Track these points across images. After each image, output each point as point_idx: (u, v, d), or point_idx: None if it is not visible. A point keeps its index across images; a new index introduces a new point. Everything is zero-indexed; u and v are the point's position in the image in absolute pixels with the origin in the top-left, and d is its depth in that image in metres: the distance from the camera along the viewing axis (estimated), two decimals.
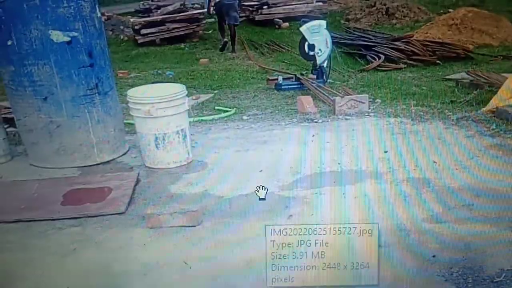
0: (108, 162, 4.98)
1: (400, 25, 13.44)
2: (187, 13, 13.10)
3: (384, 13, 13.93)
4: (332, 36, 8.03)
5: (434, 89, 7.52)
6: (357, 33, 12.00)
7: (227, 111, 6.69)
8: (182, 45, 12.48)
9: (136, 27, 12.78)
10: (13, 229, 3.74)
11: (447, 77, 8.31)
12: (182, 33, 12.77)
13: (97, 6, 4.87)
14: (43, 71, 4.62)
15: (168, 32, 12.64)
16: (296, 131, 5.70)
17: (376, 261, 2.63)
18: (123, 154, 5.16)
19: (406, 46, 9.68)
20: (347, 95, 6.58)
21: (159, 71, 9.85)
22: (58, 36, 4.57)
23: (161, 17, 12.88)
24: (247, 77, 9.15)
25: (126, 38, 13.49)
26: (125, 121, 5.52)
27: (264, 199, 3.24)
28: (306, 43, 7.80)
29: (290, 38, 12.17)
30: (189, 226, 3.60)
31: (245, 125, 6.02)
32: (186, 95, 4.77)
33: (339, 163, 4.62)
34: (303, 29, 7.81)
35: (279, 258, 2.64)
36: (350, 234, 2.65)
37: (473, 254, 3.15)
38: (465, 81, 7.54)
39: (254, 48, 11.80)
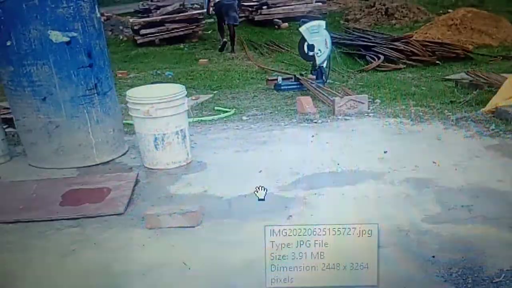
0: (107, 162, 4.97)
1: (400, 25, 13.45)
2: (186, 13, 13.11)
3: (383, 13, 13.95)
4: (331, 37, 8.04)
5: (433, 89, 7.53)
6: (356, 33, 12.02)
7: (226, 111, 6.68)
8: (182, 46, 12.49)
9: (135, 28, 12.79)
10: (12, 230, 3.74)
11: (447, 77, 8.32)
12: (181, 33, 12.78)
13: (96, 6, 4.86)
14: (42, 71, 4.62)
15: (167, 32, 12.65)
16: (296, 131, 5.70)
17: (375, 262, 2.63)
18: (122, 155, 5.15)
19: (406, 47, 9.70)
20: (347, 95, 6.58)
21: (158, 72, 9.86)
22: (57, 36, 4.57)
23: (160, 17, 12.89)
24: (246, 78, 9.16)
25: (125, 39, 13.50)
26: (124, 121, 5.52)
27: (263, 199, 3.23)
28: (306, 43, 7.80)
29: (289, 39, 12.19)
30: (188, 227, 3.60)
31: (244, 125, 6.02)
32: (186, 95, 4.76)
33: (338, 164, 4.62)
34: (302, 29, 7.82)
35: (278, 259, 2.63)
36: (349, 234, 2.64)
37: (473, 254, 3.15)
38: (465, 81, 7.55)
39: (254, 49, 11.81)
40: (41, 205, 4.02)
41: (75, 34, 4.65)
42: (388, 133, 5.44)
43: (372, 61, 9.47)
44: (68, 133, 4.79)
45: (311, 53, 7.77)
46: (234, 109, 6.80)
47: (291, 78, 8.08)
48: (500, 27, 11.13)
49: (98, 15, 4.92)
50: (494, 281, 2.90)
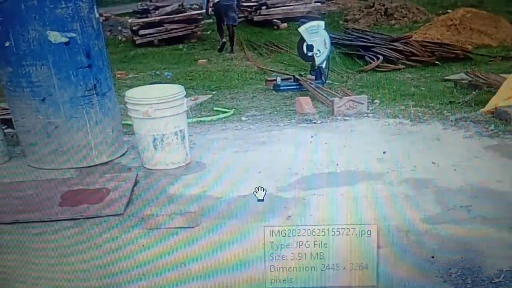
0: (106, 163, 4.97)
1: (399, 25, 13.45)
2: (185, 13, 13.11)
3: (382, 13, 13.94)
4: (330, 37, 8.02)
5: (432, 89, 7.52)
6: (355, 33, 12.00)
7: (225, 112, 6.68)
8: (181, 46, 12.48)
9: (134, 28, 12.78)
10: (11, 230, 3.73)
11: (446, 77, 8.32)
12: (180, 33, 12.77)
13: (95, 6, 4.86)
14: (41, 72, 4.61)
15: (166, 32, 12.64)
16: (295, 132, 5.70)
17: (375, 262, 2.63)
18: (122, 155, 5.15)
19: (405, 47, 9.69)
20: (346, 95, 6.58)
21: (157, 72, 9.85)
22: (56, 37, 4.56)
23: (159, 17, 12.88)
24: (245, 78, 9.15)
25: (124, 39, 13.49)
26: (123, 122, 5.51)
27: (262, 200, 3.24)
28: (305, 43, 7.79)
29: (288, 39, 12.17)
30: (187, 227, 3.60)
31: (243, 126, 6.02)
32: (185, 96, 4.76)
33: (337, 164, 4.62)
34: (301, 29, 7.81)
35: (277, 259, 2.63)
36: (349, 235, 2.64)
37: (472, 255, 3.15)
38: (464, 81, 7.54)
39: (253, 49, 11.80)
40: (40, 206, 4.02)
41: (74, 35, 4.64)
42: (387, 134, 5.44)
43: (371, 61, 9.46)
44: (67, 133, 4.79)
45: (310, 54, 7.75)
46: (233, 109, 6.79)
47: (290, 78, 8.07)
48: (499, 27, 11.13)
49: (97, 15, 4.92)
50: (493, 281, 2.91)
